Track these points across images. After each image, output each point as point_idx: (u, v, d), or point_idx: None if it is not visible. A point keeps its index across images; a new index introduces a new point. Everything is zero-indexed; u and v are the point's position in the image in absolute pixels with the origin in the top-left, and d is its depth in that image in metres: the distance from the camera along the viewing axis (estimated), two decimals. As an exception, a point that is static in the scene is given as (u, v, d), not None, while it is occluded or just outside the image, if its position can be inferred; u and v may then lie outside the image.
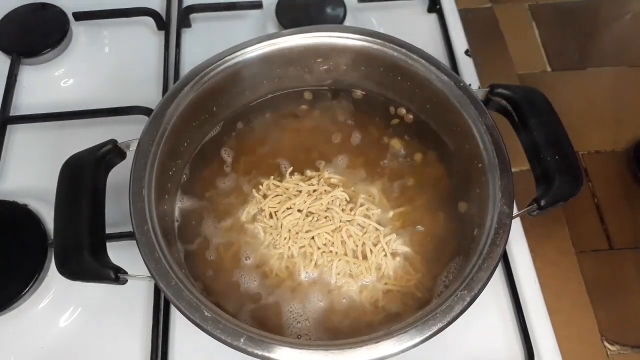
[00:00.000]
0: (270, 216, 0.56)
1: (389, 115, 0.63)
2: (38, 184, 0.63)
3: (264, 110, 0.63)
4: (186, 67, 0.74)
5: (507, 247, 0.60)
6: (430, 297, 0.52)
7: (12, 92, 0.71)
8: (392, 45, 0.57)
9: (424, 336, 0.43)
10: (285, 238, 0.54)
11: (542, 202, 0.49)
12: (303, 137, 0.61)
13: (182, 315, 0.44)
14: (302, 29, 0.58)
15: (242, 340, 0.42)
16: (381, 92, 0.63)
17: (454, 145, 0.58)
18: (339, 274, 0.53)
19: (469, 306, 0.44)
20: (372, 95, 0.63)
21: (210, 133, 0.61)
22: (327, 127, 0.62)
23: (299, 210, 0.55)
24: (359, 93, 0.64)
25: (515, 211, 0.50)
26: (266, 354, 0.42)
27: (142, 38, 0.77)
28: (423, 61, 0.56)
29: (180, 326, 0.57)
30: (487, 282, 0.45)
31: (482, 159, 0.52)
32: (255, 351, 0.42)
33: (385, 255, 0.54)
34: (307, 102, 0.64)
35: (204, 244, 0.55)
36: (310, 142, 0.61)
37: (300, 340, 0.49)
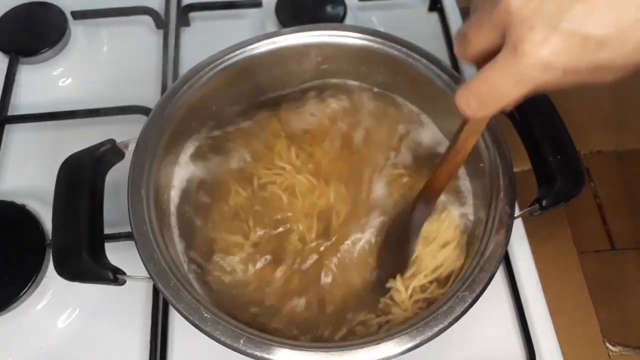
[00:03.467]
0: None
1: (388, 114, 0.62)
2: (36, 184, 0.63)
3: (263, 109, 0.62)
4: (185, 66, 0.73)
5: (508, 248, 0.60)
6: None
7: (10, 92, 0.70)
8: (392, 44, 0.56)
9: (425, 337, 0.43)
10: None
11: (544, 203, 0.48)
12: (302, 137, 0.61)
13: (181, 316, 0.43)
14: (302, 27, 0.58)
15: (241, 341, 0.42)
16: (381, 91, 0.62)
17: (455, 144, 0.58)
18: None
19: (470, 307, 0.44)
20: (373, 94, 0.63)
21: (209, 132, 0.61)
22: (326, 126, 0.62)
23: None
24: (359, 92, 0.63)
25: (517, 211, 0.50)
26: (266, 356, 0.42)
27: (141, 37, 0.77)
28: (424, 60, 0.56)
29: (179, 327, 0.57)
30: (489, 283, 0.45)
31: (483, 159, 0.51)
32: (255, 352, 0.42)
33: None
34: (307, 101, 0.63)
35: (203, 243, 0.55)
36: (309, 143, 0.60)
37: (300, 342, 0.48)
